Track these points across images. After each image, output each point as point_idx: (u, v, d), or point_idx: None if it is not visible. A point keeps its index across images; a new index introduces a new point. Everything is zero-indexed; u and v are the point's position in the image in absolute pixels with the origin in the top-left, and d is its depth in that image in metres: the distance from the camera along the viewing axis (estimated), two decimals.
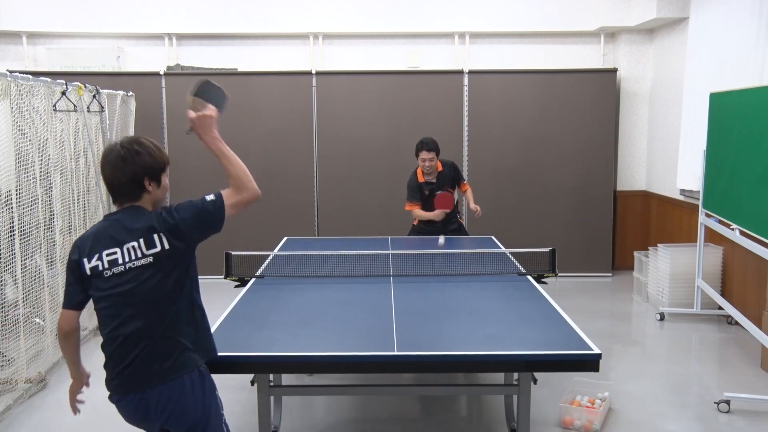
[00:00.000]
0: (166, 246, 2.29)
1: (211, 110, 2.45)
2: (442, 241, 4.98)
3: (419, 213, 5.55)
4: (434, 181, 5.49)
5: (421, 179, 5.52)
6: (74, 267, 2.35)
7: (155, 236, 2.29)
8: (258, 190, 2.43)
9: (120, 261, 2.28)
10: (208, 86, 2.48)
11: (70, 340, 2.46)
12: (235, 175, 2.44)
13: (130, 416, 2.40)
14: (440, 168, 5.50)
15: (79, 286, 2.36)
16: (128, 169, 2.33)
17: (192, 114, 2.44)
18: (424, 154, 5.37)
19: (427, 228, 5.53)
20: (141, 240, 2.29)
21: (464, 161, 7.30)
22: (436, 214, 5.41)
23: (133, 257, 2.28)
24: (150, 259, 2.28)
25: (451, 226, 5.52)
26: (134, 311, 2.27)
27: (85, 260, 2.32)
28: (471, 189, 5.69)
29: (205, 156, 7.84)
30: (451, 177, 5.53)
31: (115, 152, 2.34)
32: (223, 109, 2.51)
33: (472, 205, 5.48)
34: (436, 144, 5.42)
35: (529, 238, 6.91)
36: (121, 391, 2.35)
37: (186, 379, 2.32)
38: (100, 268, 2.30)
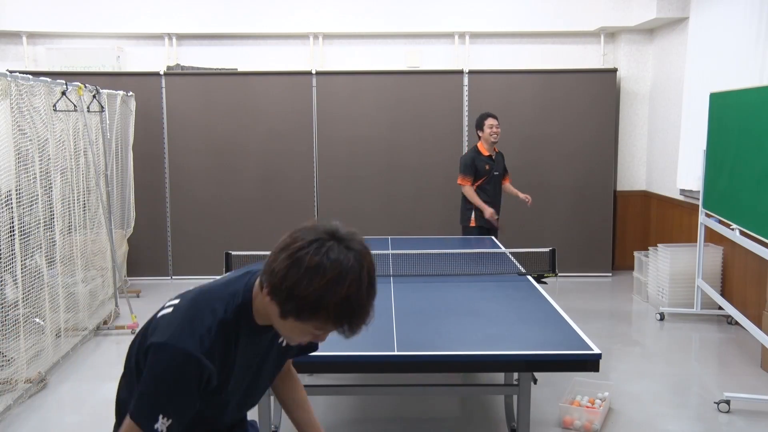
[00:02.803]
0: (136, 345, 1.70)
1: None
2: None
3: (471, 194, 5.51)
4: (494, 157, 5.58)
5: (485, 152, 5.51)
6: None
7: (145, 330, 1.70)
8: None
9: None
10: None
11: None
12: None
13: None
14: (497, 148, 5.63)
15: None
16: (293, 271, 1.50)
17: None
18: (490, 120, 5.50)
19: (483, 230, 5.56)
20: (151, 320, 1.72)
21: None
22: (487, 211, 5.46)
23: None
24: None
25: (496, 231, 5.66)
26: None
27: None
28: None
29: (205, 157, 7.86)
30: (503, 164, 5.67)
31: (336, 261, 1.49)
32: None
33: (523, 195, 5.65)
34: None
35: (529, 238, 6.92)
36: None
37: None
38: None
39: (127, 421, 1.59)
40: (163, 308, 1.69)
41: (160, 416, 1.57)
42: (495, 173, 5.55)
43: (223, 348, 1.62)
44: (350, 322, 1.54)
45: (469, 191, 5.53)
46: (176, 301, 1.68)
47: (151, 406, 1.57)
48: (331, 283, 1.47)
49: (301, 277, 1.47)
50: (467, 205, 5.63)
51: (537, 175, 7.28)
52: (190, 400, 1.60)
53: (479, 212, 5.55)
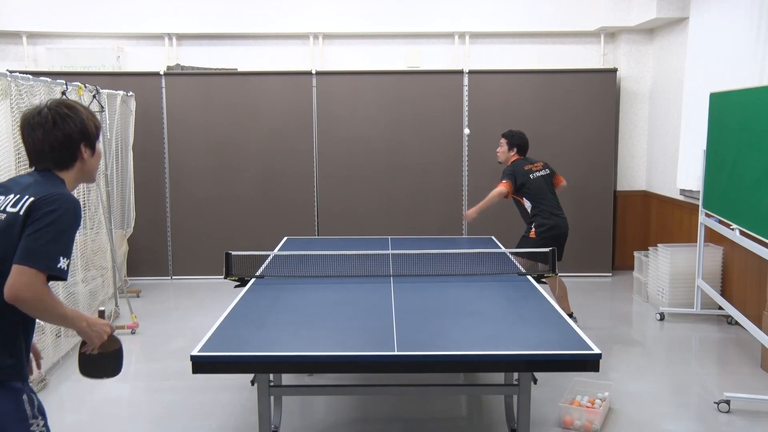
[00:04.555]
0: (22, 211, 2.02)
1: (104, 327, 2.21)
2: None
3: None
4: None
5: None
6: None
7: (26, 196, 2.05)
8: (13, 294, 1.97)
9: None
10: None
11: None
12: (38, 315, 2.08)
13: None
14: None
15: None
16: (60, 131, 2.14)
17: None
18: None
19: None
20: (17, 196, 2.07)
21: (464, 161, 7.30)
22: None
23: (3, 207, 2.08)
24: (3, 215, 2.05)
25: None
26: None
27: None
28: (495, 191, 5.46)
29: (205, 157, 7.86)
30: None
31: (44, 114, 2.14)
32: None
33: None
34: (510, 134, 5.53)
35: None
36: None
37: None
38: None
39: (24, 269, 1.93)
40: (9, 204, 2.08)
41: (62, 258, 1.99)
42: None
43: None
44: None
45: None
46: (17, 196, 2.08)
47: (53, 250, 1.97)
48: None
49: (90, 115, 2.22)
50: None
51: None
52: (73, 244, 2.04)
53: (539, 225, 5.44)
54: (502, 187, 5.41)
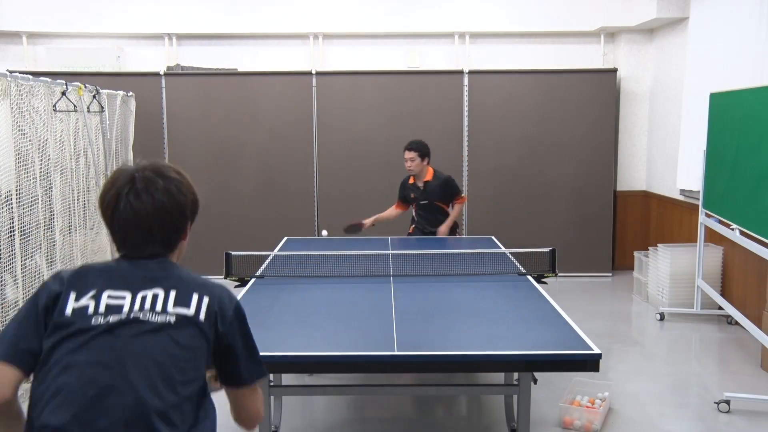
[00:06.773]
0: (201, 315, 1.61)
1: None
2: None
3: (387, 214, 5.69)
4: (421, 186, 5.45)
5: (411, 180, 5.51)
6: (45, 301, 1.56)
7: (195, 295, 1.62)
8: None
9: (125, 309, 1.56)
10: None
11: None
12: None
13: None
14: (429, 177, 5.43)
15: (34, 329, 1.53)
16: (174, 202, 1.69)
17: None
18: (406, 153, 5.40)
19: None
20: (171, 291, 1.61)
21: (464, 161, 7.30)
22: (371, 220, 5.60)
23: (147, 307, 1.58)
24: (172, 318, 1.58)
25: None
26: (117, 381, 1.49)
27: (72, 295, 1.56)
28: (461, 205, 5.56)
29: (205, 157, 7.84)
30: (440, 193, 5.42)
31: (149, 178, 1.72)
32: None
33: (443, 227, 5.36)
34: (421, 145, 5.39)
35: (529, 238, 6.91)
36: None
37: None
38: (89, 311, 1.54)
39: (255, 390, 1.70)
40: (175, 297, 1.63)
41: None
42: (422, 202, 5.44)
43: None
44: None
45: (391, 211, 5.69)
46: (178, 291, 1.64)
47: (258, 354, 1.73)
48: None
49: (190, 184, 1.79)
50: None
51: (537, 175, 7.28)
52: None
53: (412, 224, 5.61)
54: (464, 200, 5.61)
